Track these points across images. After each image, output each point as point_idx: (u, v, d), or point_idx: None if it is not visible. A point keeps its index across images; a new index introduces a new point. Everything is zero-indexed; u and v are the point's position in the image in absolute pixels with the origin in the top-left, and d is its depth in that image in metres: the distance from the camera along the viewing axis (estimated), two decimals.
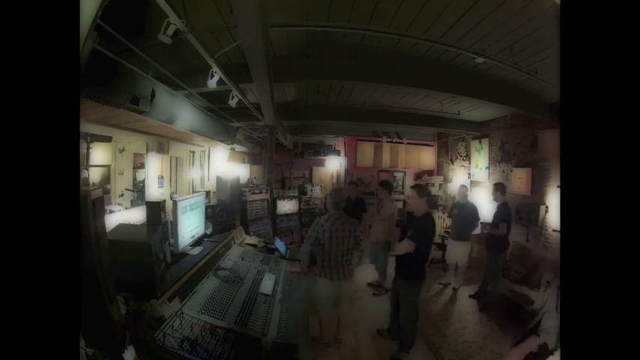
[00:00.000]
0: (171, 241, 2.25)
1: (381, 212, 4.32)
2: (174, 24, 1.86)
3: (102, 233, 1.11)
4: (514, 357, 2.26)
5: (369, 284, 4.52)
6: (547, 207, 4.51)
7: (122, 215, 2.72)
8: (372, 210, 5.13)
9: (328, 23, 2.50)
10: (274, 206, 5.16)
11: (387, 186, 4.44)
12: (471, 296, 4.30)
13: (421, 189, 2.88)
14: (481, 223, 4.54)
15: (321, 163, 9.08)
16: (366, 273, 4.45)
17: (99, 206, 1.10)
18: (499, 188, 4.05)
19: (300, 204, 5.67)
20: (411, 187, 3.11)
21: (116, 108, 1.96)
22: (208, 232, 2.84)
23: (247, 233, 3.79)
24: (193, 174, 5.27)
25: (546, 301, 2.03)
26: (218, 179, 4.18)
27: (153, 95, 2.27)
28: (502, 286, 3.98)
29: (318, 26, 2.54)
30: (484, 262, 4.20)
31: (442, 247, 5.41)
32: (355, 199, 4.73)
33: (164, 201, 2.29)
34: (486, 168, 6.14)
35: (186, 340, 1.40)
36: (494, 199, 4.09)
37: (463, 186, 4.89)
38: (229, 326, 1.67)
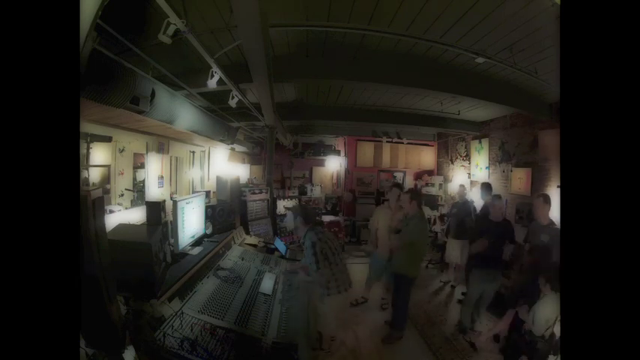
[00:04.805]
0: (171, 241, 2.25)
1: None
2: (174, 24, 1.86)
3: (102, 233, 1.11)
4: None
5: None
6: None
7: (122, 215, 2.71)
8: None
9: (328, 23, 2.50)
10: (274, 206, 5.15)
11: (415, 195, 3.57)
12: (463, 293, 4.32)
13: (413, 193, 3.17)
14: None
15: (321, 163, 9.07)
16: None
17: (99, 206, 1.10)
18: (485, 188, 4.37)
19: (300, 204, 5.66)
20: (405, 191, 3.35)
21: (116, 108, 1.95)
22: (208, 232, 2.84)
23: (247, 233, 3.78)
24: (193, 174, 5.27)
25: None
26: (218, 179, 4.18)
27: (153, 95, 2.26)
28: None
29: (318, 26, 2.54)
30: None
31: (441, 247, 5.43)
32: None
33: (164, 201, 2.29)
34: (486, 168, 6.14)
35: (186, 340, 1.40)
36: (483, 199, 4.34)
37: (461, 186, 5.05)
38: (229, 326, 1.67)
